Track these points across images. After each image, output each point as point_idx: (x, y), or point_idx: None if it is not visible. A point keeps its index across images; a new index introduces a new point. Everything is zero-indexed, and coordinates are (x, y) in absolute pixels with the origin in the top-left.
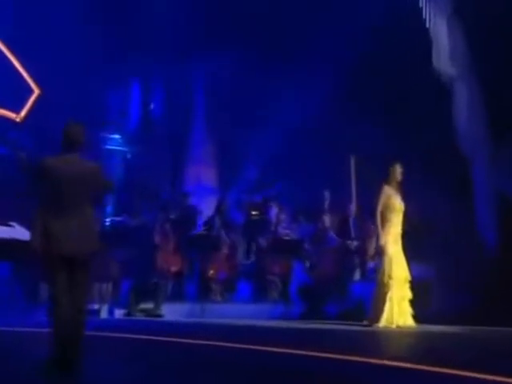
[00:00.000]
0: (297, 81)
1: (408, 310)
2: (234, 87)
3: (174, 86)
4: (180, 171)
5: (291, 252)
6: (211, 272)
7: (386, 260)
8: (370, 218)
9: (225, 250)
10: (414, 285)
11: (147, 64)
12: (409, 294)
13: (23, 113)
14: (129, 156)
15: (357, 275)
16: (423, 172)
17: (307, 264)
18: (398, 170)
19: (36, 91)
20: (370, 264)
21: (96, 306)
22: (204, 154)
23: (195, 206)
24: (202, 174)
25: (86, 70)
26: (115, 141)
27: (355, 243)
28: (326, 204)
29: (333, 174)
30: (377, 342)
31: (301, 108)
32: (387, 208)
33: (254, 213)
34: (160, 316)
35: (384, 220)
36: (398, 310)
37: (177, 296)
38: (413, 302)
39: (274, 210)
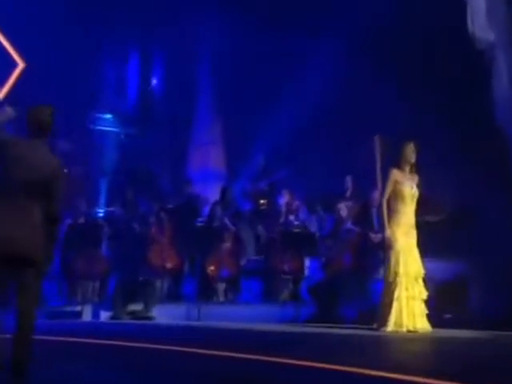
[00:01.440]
0: (312, 55)
1: (420, 312)
2: (243, 64)
3: (177, 61)
4: (182, 156)
5: (303, 246)
6: (211, 268)
7: (393, 254)
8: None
9: (228, 244)
10: (445, 285)
11: (147, 36)
12: (422, 293)
13: (5, 89)
14: (123, 138)
15: (380, 273)
16: (458, 154)
17: (323, 260)
18: (409, 151)
19: (20, 65)
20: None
21: (78, 308)
22: (210, 136)
23: (197, 194)
24: (208, 158)
25: (77, 41)
26: (107, 121)
27: (379, 236)
28: (349, 192)
29: (354, 157)
30: (371, 348)
31: (317, 85)
32: (395, 195)
33: (261, 201)
34: (150, 319)
35: (391, 209)
36: (407, 312)
37: (172, 296)
38: (442, 304)
39: (284, 199)
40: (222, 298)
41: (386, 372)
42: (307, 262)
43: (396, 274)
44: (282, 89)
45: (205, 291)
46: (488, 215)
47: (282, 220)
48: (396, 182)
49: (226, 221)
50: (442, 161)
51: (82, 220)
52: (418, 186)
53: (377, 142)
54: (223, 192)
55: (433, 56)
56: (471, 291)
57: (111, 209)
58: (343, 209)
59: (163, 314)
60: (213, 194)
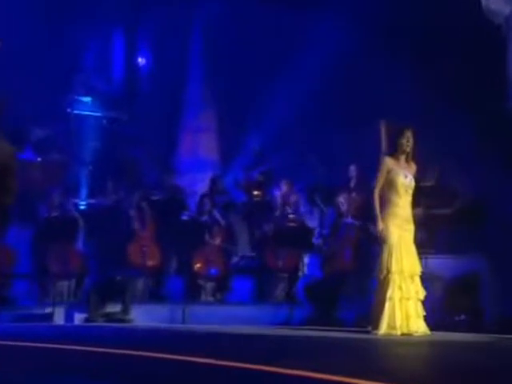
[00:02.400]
0: (313, 32)
1: (416, 313)
2: (238, 42)
3: (166, 39)
4: (171, 143)
5: (299, 242)
6: (198, 266)
7: (385, 249)
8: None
9: (217, 239)
10: (455, 284)
11: (133, 11)
12: (419, 293)
13: None
14: (105, 123)
15: None
16: (474, 141)
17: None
18: (404, 139)
19: None
20: None
21: (48, 309)
22: (201, 121)
23: (185, 184)
24: (199, 145)
25: (54, 16)
26: (87, 104)
27: None
28: (353, 182)
29: (359, 144)
30: (353, 354)
31: (318, 64)
32: (388, 185)
33: (255, 193)
34: (128, 321)
35: (385, 200)
36: (401, 313)
37: (155, 297)
38: (452, 305)
39: (281, 190)
40: (209, 299)
41: (362, 379)
42: (306, 260)
43: (388, 271)
44: (279, 69)
45: (191, 291)
46: (503, 208)
47: (277, 213)
48: (389, 171)
49: (216, 214)
50: (454, 147)
51: (55, 213)
52: (415, 177)
53: (382, 127)
54: (213, 182)
55: (446, 33)
56: (484, 291)
57: (91, 201)
58: (343, 202)
59: (144, 316)
60: (204, 184)
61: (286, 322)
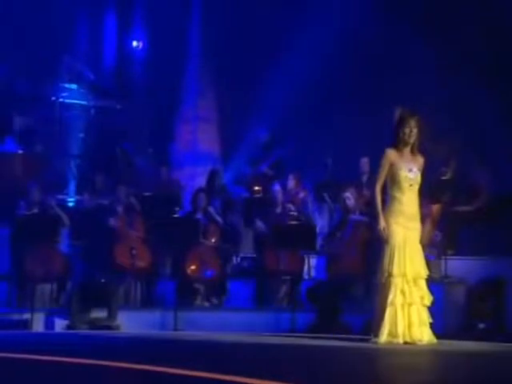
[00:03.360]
0: (321, 7)
1: (421, 320)
2: (239, 22)
3: (162, 20)
4: (167, 133)
5: (302, 241)
6: (192, 268)
7: (386, 251)
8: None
9: (212, 239)
10: (479, 288)
11: None
12: (425, 299)
13: None
14: (93, 112)
15: None
16: (499, 131)
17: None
18: (407, 129)
19: None
20: None
21: (26, 316)
22: (200, 110)
23: (183, 179)
24: (198, 136)
25: None
26: (73, 92)
27: None
28: (365, 177)
29: (371, 134)
30: (343, 365)
31: (328, 43)
32: (390, 180)
33: (256, 188)
34: (115, 328)
35: (388, 197)
36: (404, 320)
37: (144, 301)
38: (475, 312)
39: (287, 185)
40: (204, 304)
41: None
42: (313, 261)
43: (389, 273)
44: (284, 52)
45: (184, 295)
46: None
47: (278, 210)
48: (391, 165)
49: (212, 211)
50: (476, 137)
51: (35, 210)
52: (422, 170)
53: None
54: (211, 176)
55: (466, 9)
56: (509, 296)
57: (77, 197)
58: (349, 197)
59: (133, 323)
60: (203, 178)
61: (287, 329)
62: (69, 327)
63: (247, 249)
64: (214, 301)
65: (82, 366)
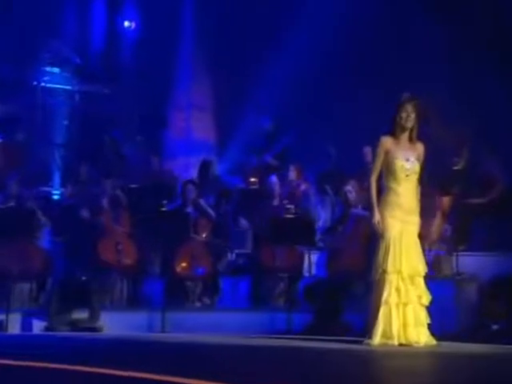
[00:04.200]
0: None
1: (417, 321)
2: (236, 2)
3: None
4: (159, 121)
5: (301, 236)
6: (182, 265)
7: (381, 246)
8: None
9: (203, 233)
10: (493, 286)
11: None
12: (422, 298)
13: None
14: (78, 98)
15: None
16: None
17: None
18: (403, 111)
19: None
20: (429, 254)
21: (1, 317)
22: (195, 96)
23: (175, 170)
24: (192, 124)
25: None
26: (56, 76)
27: None
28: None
29: (376, 121)
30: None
31: (330, 24)
32: (386, 170)
33: (252, 180)
34: (97, 330)
35: (384, 188)
36: (399, 320)
37: (131, 301)
38: (489, 312)
39: (289, 176)
40: (196, 304)
41: None
42: (314, 257)
43: (383, 270)
44: (283, 33)
45: (173, 295)
46: None
47: (274, 203)
48: (386, 154)
49: (202, 203)
50: (489, 124)
51: (11, 203)
52: (421, 159)
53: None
54: (203, 167)
55: None
56: None
57: (61, 189)
58: (351, 190)
59: (118, 324)
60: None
61: (284, 330)
62: (47, 329)
63: (242, 244)
64: (206, 301)
65: (55, 372)
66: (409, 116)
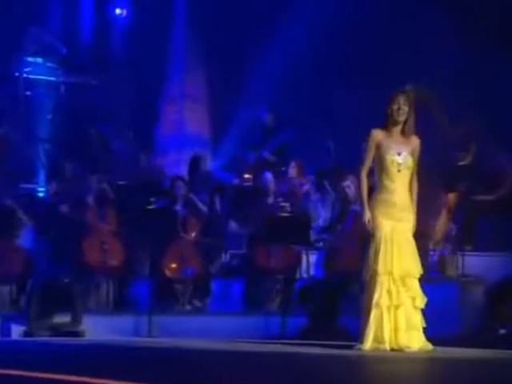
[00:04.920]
0: None
1: (410, 325)
2: None
3: None
4: (150, 114)
5: (295, 235)
6: (169, 266)
7: (372, 246)
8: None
9: (193, 232)
10: (500, 288)
11: None
12: (417, 300)
13: None
14: (64, 90)
15: None
16: None
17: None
18: (395, 103)
19: None
20: (433, 254)
21: None
22: (188, 87)
23: (167, 166)
24: (185, 117)
25: None
26: (40, 67)
27: None
28: None
29: (378, 114)
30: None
31: (330, 12)
32: (377, 165)
33: (246, 176)
34: (79, 335)
35: (376, 184)
36: (390, 324)
37: (117, 304)
38: (496, 315)
39: (290, 173)
40: (186, 307)
41: None
42: (312, 258)
43: (374, 271)
44: (281, 19)
45: (162, 297)
46: None
47: (269, 201)
48: (378, 147)
49: (194, 198)
50: (501, 116)
51: None
52: (415, 153)
53: (409, 92)
54: (193, 163)
55: None
56: None
57: (43, 187)
58: (349, 185)
59: (102, 329)
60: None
61: (278, 336)
62: (27, 334)
63: (235, 244)
64: (197, 304)
65: (30, 381)
66: (401, 109)
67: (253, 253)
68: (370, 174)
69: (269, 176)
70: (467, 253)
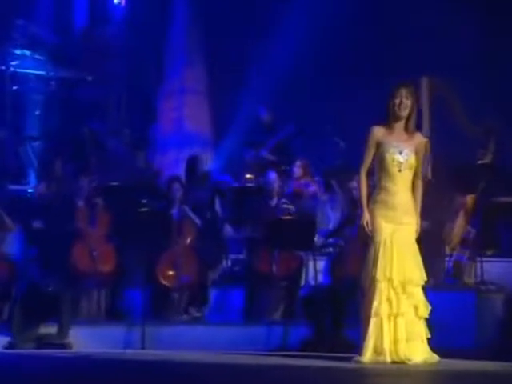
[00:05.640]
0: None
1: (409, 335)
2: None
3: None
4: (147, 110)
5: (298, 240)
6: (167, 273)
7: (370, 250)
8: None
9: (189, 237)
10: None
11: None
12: (419, 309)
13: None
14: (53, 85)
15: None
16: None
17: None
18: (396, 97)
19: None
20: (449, 260)
21: None
22: (187, 81)
23: (165, 166)
24: (184, 113)
25: None
26: (26, 60)
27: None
28: None
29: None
30: None
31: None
32: (377, 164)
33: (247, 176)
34: (66, 346)
35: (376, 184)
36: (391, 334)
37: (108, 313)
38: None
39: (295, 173)
40: (183, 316)
41: None
42: (320, 264)
43: (373, 279)
44: (286, 10)
45: (156, 306)
46: None
47: (273, 203)
48: (378, 145)
49: (186, 209)
50: None
51: None
52: (421, 153)
53: (424, 85)
54: (190, 164)
55: None
56: None
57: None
58: (357, 187)
59: (92, 340)
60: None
61: (280, 347)
62: (10, 346)
63: (236, 249)
64: (194, 313)
65: None
66: (402, 103)
67: (253, 258)
68: (371, 173)
69: (273, 176)
70: (486, 258)
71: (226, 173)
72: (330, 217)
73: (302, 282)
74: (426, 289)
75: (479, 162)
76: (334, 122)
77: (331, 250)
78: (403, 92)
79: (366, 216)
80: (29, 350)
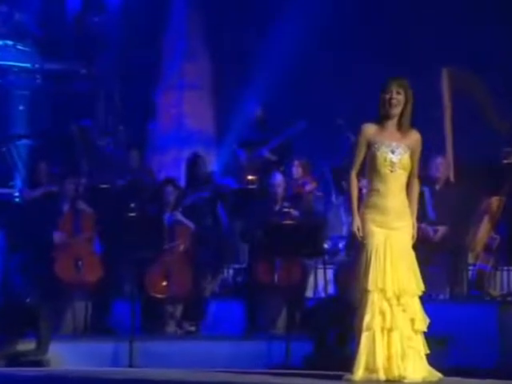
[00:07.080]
0: None
1: (407, 351)
2: None
3: None
4: (143, 106)
5: (303, 247)
6: (159, 284)
7: (362, 258)
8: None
9: (182, 245)
10: None
11: None
12: (416, 322)
13: None
14: (39, 79)
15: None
16: None
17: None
18: (387, 92)
19: None
20: (472, 269)
21: None
22: (187, 75)
23: (163, 166)
24: (184, 110)
25: None
26: (9, 51)
27: (440, 230)
28: None
29: None
30: None
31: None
32: (369, 164)
33: (249, 178)
34: (44, 364)
35: (368, 186)
36: (384, 349)
37: (94, 328)
38: None
39: (294, 173)
40: (177, 330)
41: None
42: (330, 274)
43: (364, 289)
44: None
45: (146, 319)
46: None
47: (276, 207)
48: (369, 144)
49: (179, 216)
50: None
51: None
52: (416, 152)
53: (445, 77)
54: (190, 164)
55: None
56: None
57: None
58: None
59: (77, 356)
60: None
61: (280, 364)
62: None
63: (235, 257)
64: (188, 327)
65: None
66: (393, 98)
67: (254, 268)
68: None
69: (279, 178)
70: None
71: (230, 174)
72: (344, 220)
73: (309, 293)
74: (445, 301)
75: (505, 161)
76: (345, 116)
77: (345, 258)
78: (393, 86)
79: (357, 221)
80: (2, 368)
